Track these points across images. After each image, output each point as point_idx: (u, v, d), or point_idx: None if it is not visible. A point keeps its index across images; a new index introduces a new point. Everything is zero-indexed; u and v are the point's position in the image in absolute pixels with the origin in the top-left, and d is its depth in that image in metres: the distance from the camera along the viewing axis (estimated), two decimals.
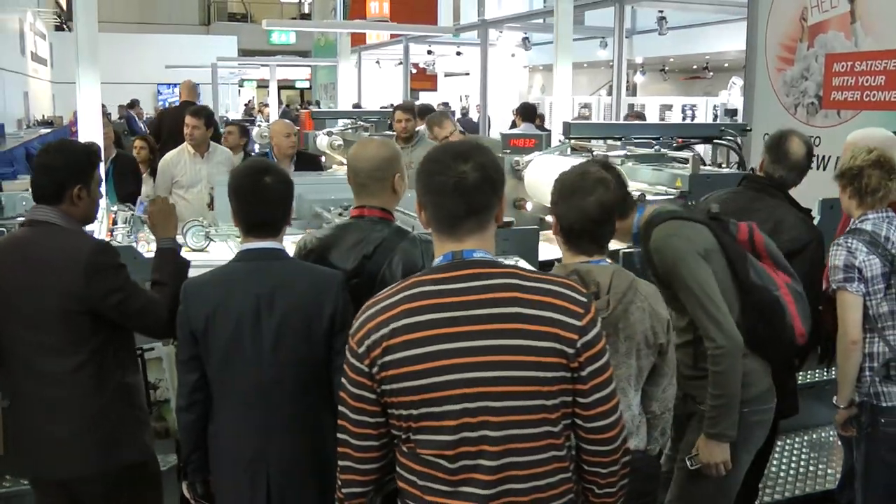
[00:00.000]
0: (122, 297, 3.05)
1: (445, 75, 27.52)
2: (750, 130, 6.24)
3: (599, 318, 2.23)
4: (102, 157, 3.96)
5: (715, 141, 5.96)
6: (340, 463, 2.30)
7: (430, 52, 23.55)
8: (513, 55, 24.52)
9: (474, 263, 2.18)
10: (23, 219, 4.73)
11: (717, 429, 3.21)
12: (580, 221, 2.85)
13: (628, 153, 5.32)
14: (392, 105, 10.13)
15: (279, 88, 37.97)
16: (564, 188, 2.89)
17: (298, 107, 27.19)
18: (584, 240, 2.88)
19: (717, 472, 3.26)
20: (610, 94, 21.88)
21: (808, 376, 5.44)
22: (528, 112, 10.33)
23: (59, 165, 3.12)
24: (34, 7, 22.79)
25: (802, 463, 5.08)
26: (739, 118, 7.63)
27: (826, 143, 6.40)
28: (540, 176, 5.48)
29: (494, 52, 23.21)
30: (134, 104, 21.09)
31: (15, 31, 19.86)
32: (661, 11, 14.75)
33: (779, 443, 5.13)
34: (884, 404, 3.59)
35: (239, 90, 34.00)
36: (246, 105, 28.42)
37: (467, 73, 26.41)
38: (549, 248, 4.87)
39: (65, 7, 31.24)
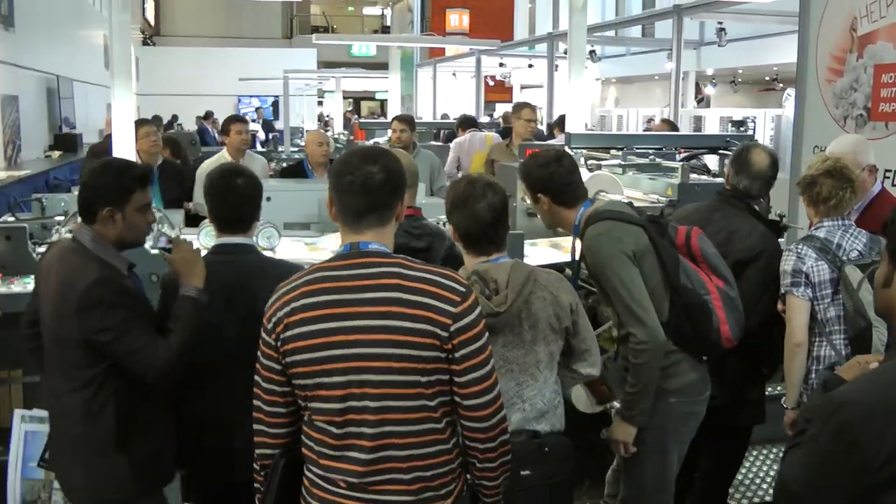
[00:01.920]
0: (112, 337, 2.96)
1: (521, 87, 27.70)
2: (754, 141, 6.37)
3: (479, 307, 2.44)
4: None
5: (720, 151, 6.11)
6: (254, 427, 2.57)
7: (501, 65, 23.84)
8: (585, 67, 24.65)
9: (368, 254, 2.42)
10: (61, 217, 5.21)
11: (629, 413, 3.41)
12: (475, 226, 3.12)
13: (623, 163, 5.52)
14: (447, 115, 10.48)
15: (360, 100, 38.88)
16: (457, 198, 3.17)
17: (358, 117, 27.73)
18: (482, 242, 3.15)
19: (625, 450, 3.46)
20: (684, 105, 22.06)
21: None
22: (468, 123, 10.33)
23: (90, 185, 3.12)
24: None
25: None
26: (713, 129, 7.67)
27: (875, 155, 6.23)
28: None
29: (565, 65, 23.42)
30: (208, 115, 21.79)
31: (99, 46, 20.72)
32: (720, 23, 14.75)
33: (761, 452, 5.24)
34: None
35: (319, 101, 34.72)
36: (319, 116, 29.04)
37: (541, 86, 26.53)
38: (551, 253, 5.13)
39: (152, 23, 32.43)
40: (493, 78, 26.74)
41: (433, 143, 11.91)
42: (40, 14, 13.23)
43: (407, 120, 8.06)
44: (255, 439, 2.59)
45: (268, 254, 4.30)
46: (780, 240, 4.18)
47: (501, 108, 25.09)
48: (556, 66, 23.77)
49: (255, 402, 2.56)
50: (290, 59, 27.36)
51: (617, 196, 4.93)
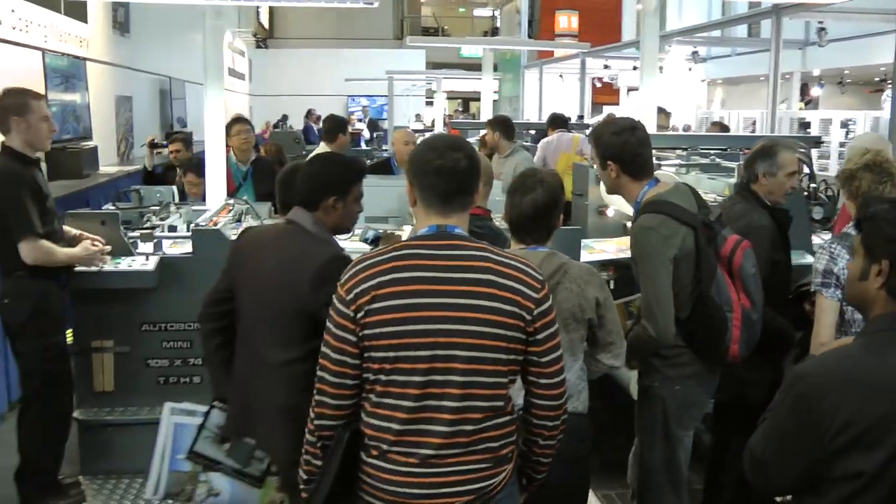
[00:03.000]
0: None
1: (628, 90, 27.65)
2: (822, 143, 6.43)
3: (551, 296, 2.60)
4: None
5: None
6: (315, 398, 2.59)
7: (606, 67, 23.90)
8: (689, 69, 24.49)
9: (455, 237, 2.55)
10: (156, 207, 5.69)
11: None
12: (516, 216, 3.36)
13: (683, 163, 5.69)
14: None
15: (468, 100, 39.21)
16: (511, 187, 3.41)
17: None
18: (521, 231, 3.38)
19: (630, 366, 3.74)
20: (791, 107, 21.74)
21: None
22: (557, 122, 10.20)
23: (316, 176, 3.28)
24: (234, 27, 24.57)
25: None
26: (814, 131, 7.66)
27: None
28: None
29: (671, 66, 23.30)
30: (310, 113, 22.45)
31: (222, 46, 21.57)
32: (820, 22, 14.58)
33: None
34: None
35: (428, 102, 35.19)
36: (416, 116, 29.49)
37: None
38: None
39: (266, 27, 33.40)
40: (600, 80, 26.80)
41: (525, 143, 12.15)
42: (155, 20, 13.96)
43: (493, 122, 8.32)
44: (314, 410, 2.61)
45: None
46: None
47: (608, 111, 25.05)
48: (661, 67, 23.77)
49: (320, 373, 2.59)
50: (399, 60, 27.84)
51: (670, 176, 5.10)
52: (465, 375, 2.47)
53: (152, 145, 8.16)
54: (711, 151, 6.03)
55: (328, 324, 2.56)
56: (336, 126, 8.48)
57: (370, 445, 2.55)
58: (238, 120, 7.67)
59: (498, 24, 39.13)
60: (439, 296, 2.47)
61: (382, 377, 2.51)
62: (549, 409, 2.65)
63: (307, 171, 3.32)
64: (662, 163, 5.96)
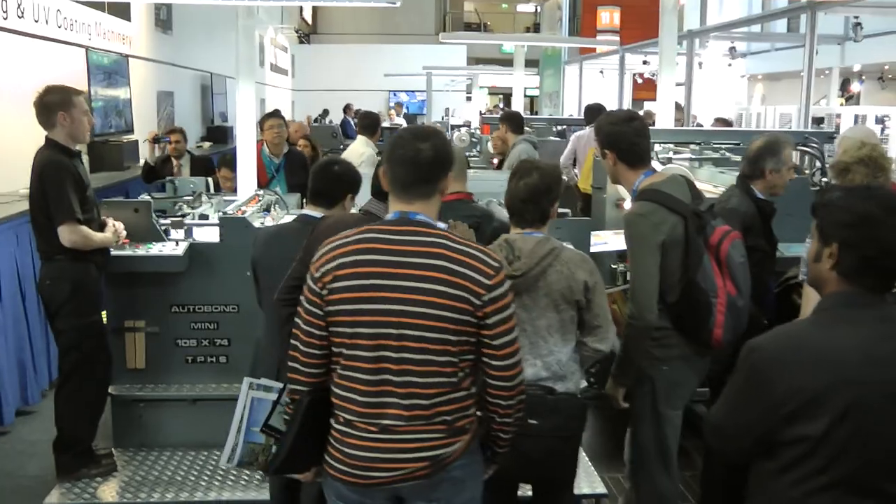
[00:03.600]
0: None
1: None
2: (834, 138, 6.56)
3: (508, 281, 2.73)
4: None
5: (799, 147, 6.34)
6: (289, 364, 2.84)
7: (645, 63, 23.93)
8: (729, 64, 24.44)
9: (416, 223, 2.70)
10: (189, 197, 5.99)
11: (616, 372, 3.84)
12: (510, 199, 3.59)
13: (693, 157, 5.86)
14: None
15: (510, 96, 39.32)
16: (512, 172, 3.64)
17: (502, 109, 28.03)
18: (515, 215, 3.61)
19: (614, 404, 3.88)
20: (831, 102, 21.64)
21: None
22: (593, 114, 10.01)
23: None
24: (277, 23, 24.96)
25: None
26: (826, 126, 7.76)
27: None
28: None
29: (710, 62, 23.28)
30: (348, 108, 22.75)
31: (255, 45, 21.95)
32: (856, 17, 14.56)
33: None
34: None
35: (468, 97, 35.33)
36: (446, 111, 29.61)
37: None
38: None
39: (310, 22, 33.79)
40: (640, 76, 26.82)
41: (552, 138, 12.32)
42: (197, 18, 14.33)
43: (503, 117, 8.58)
44: (288, 375, 2.87)
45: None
46: None
47: (650, 107, 24.99)
48: (700, 63, 23.77)
49: (293, 342, 2.82)
50: (440, 55, 28.01)
51: (680, 169, 5.27)
52: (419, 353, 2.64)
53: (154, 140, 8.38)
54: (723, 146, 6.20)
55: (301, 297, 2.78)
56: (375, 123, 9.01)
57: (338, 413, 2.76)
58: (271, 115, 8.02)
59: (539, 20, 39.22)
60: (394, 278, 2.64)
61: (345, 351, 2.72)
62: (501, 390, 2.78)
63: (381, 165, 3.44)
64: (674, 156, 6.14)
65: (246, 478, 4.71)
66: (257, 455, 3.38)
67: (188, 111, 14.37)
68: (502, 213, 3.97)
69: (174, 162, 8.48)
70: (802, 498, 2.29)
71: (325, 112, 25.36)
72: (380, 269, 2.66)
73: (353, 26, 35.17)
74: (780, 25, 23.25)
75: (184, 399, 5.12)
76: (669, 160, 6.03)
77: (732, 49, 20.40)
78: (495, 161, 9.59)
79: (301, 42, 31.73)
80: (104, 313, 5.03)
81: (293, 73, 29.08)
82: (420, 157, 2.71)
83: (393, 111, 25.20)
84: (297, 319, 2.82)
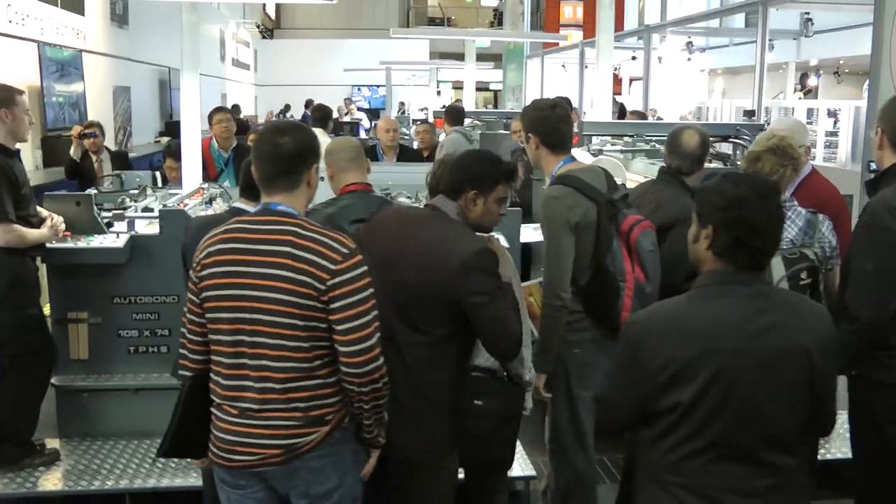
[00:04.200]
0: (486, 300, 3.20)
1: (630, 80, 27.86)
2: (764, 129, 6.70)
3: (363, 267, 2.78)
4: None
5: (731, 139, 6.50)
6: (179, 350, 2.99)
7: None
8: (689, 59, 24.68)
9: (275, 213, 2.83)
10: (135, 191, 6.06)
11: (537, 360, 3.94)
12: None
13: (623, 149, 6.02)
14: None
15: (478, 90, 39.44)
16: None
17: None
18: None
19: (538, 394, 3.98)
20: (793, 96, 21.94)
21: None
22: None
23: (463, 167, 3.40)
24: (239, 18, 24.98)
25: None
26: (760, 119, 7.92)
27: None
28: None
29: (671, 57, 23.51)
30: (309, 104, 22.78)
31: (215, 40, 21.96)
32: (806, 14, 14.80)
33: None
34: None
35: (438, 92, 35.37)
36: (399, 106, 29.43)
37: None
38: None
39: (273, 18, 33.74)
40: None
41: (501, 131, 12.45)
42: (154, 13, 14.34)
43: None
44: (178, 361, 3.00)
45: None
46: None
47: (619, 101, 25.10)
48: (660, 58, 23.98)
49: (182, 329, 2.96)
50: (404, 50, 28.07)
51: (601, 162, 5.41)
52: (272, 338, 2.74)
53: (81, 136, 8.39)
54: (653, 139, 6.34)
55: (189, 284, 2.91)
56: (327, 115, 9.16)
57: (212, 396, 2.89)
58: (219, 109, 8.13)
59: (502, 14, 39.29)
60: (248, 265, 2.77)
61: (212, 336, 2.86)
62: (351, 376, 2.79)
63: (455, 161, 3.44)
64: (605, 148, 6.29)
65: (185, 465, 4.80)
66: None
67: (146, 106, 14.39)
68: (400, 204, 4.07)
69: (93, 157, 8.52)
70: (677, 462, 2.44)
71: (287, 107, 25.35)
72: (238, 257, 2.78)
73: (317, 21, 35.17)
74: (739, 21, 23.52)
75: (126, 389, 5.20)
76: (600, 152, 6.18)
77: (689, 44, 20.66)
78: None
79: (264, 37, 31.69)
80: (48, 305, 5.11)
81: (256, 68, 29.07)
82: (279, 150, 2.83)
83: (353, 105, 25.19)
84: (184, 308, 2.95)
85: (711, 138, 6.22)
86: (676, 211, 4.19)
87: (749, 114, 7.84)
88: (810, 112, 16.58)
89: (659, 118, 21.64)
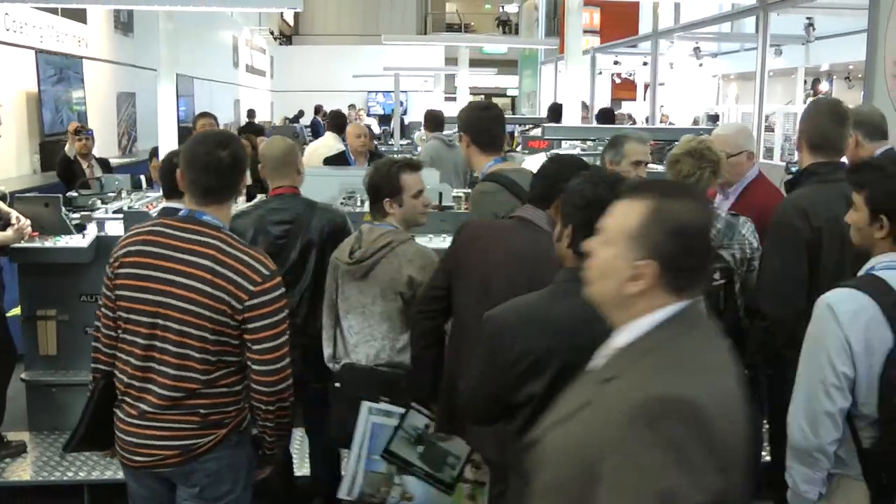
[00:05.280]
0: None
1: (645, 85, 27.86)
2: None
3: (280, 290, 2.84)
4: None
5: None
6: (93, 345, 3.02)
7: (616, 63, 24.24)
8: (700, 64, 24.69)
9: (200, 223, 2.83)
10: (112, 194, 6.26)
11: None
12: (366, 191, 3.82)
13: (582, 151, 6.14)
14: None
15: (491, 96, 39.62)
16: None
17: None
18: (372, 207, 3.84)
19: None
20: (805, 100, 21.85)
21: None
22: (435, 122, 9.70)
23: (553, 175, 3.30)
24: (254, 25, 25.23)
25: None
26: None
27: None
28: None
29: (682, 62, 23.56)
30: (318, 110, 23.02)
31: (228, 46, 22.23)
32: (808, 18, 14.78)
33: None
34: None
35: (448, 98, 35.42)
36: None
37: (662, 84, 26.48)
38: None
39: (291, 24, 34.02)
40: (619, 75, 27.05)
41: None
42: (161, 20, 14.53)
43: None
44: (91, 355, 3.02)
45: None
46: None
47: (627, 106, 25.37)
48: (672, 63, 23.98)
49: (96, 323, 2.98)
50: (421, 56, 28.16)
51: (528, 163, 5.56)
52: (178, 347, 2.77)
53: (76, 132, 8.45)
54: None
55: (105, 279, 2.92)
56: (343, 122, 9.59)
57: (118, 394, 2.92)
58: (203, 115, 8.35)
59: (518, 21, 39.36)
60: (166, 272, 2.77)
61: (122, 335, 2.87)
62: (260, 393, 2.86)
63: (543, 170, 3.38)
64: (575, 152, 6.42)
65: None
66: (378, 486, 3.31)
67: (152, 111, 14.58)
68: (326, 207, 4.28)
69: (83, 162, 8.61)
70: None
71: (301, 113, 25.58)
72: (156, 262, 2.79)
73: (334, 27, 35.40)
74: (749, 25, 23.50)
75: None
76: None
77: (697, 49, 20.68)
78: None
79: (282, 44, 31.96)
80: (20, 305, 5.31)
81: (272, 74, 29.32)
82: (221, 164, 2.83)
83: (363, 111, 25.38)
84: (99, 303, 2.98)
85: (676, 143, 6.34)
86: None
87: (713, 118, 7.90)
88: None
89: (670, 123, 21.77)
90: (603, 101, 21.56)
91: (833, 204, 3.52)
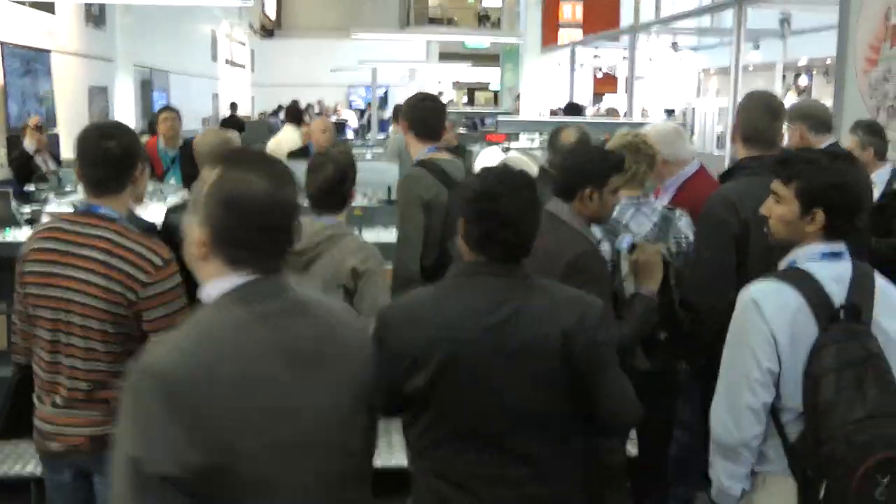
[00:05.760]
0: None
1: (626, 80, 27.84)
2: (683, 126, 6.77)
3: (175, 280, 2.84)
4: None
5: None
6: (11, 339, 3.05)
7: (596, 57, 24.28)
8: (680, 59, 24.77)
9: (96, 216, 2.84)
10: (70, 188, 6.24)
11: None
12: (310, 191, 3.72)
13: (531, 147, 6.17)
14: None
15: (474, 90, 39.68)
16: (308, 166, 3.79)
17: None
18: (317, 206, 3.74)
19: None
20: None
21: None
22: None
23: (575, 167, 3.37)
24: (234, 18, 25.12)
25: None
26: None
27: None
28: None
29: (662, 56, 23.61)
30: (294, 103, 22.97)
31: (207, 39, 22.17)
32: (783, 13, 14.78)
33: None
34: None
35: (440, 92, 35.47)
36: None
37: (641, 78, 26.52)
38: None
39: (273, 17, 33.91)
40: (600, 69, 27.09)
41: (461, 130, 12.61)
42: (135, 13, 14.45)
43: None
44: (11, 346, 3.07)
45: None
46: None
47: (608, 100, 25.38)
48: (651, 58, 23.98)
49: (14, 318, 3.02)
50: (403, 49, 28.12)
51: (509, 159, 5.56)
52: (84, 340, 2.81)
53: (38, 127, 8.20)
54: None
55: (16, 276, 2.93)
56: (299, 113, 9.73)
57: (35, 386, 2.96)
58: (165, 108, 8.29)
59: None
60: (65, 267, 2.78)
61: (34, 330, 2.90)
62: None
63: (564, 162, 3.42)
64: (513, 144, 6.46)
65: None
66: None
67: (127, 106, 14.56)
68: None
69: (38, 157, 8.29)
70: (427, 448, 2.48)
71: (280, 107, 25.50)
72: (55, 258, 2.81)
73: (318, 21, 35.28)
74: (730, 19, 23.50)
75: None
76: (508, 149, 6.35)
77: (675, 44, 20.72)
78: None
79: (263, 37, 31.86)
80: None
81: (253, 67, 29.21)
82: (108, 155, 2.84)
83: (340, 105, 25.36)
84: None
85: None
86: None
87: (669, 112, 7.93)
88: None
89: (646, 118, 21.78)
90: (584, 95, 21.54)
91: (762, 196, 3.51)
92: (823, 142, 4.65)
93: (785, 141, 4.46)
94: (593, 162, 3.40)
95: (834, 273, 2.66)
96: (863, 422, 2.44)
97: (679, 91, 26.35)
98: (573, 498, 2.58)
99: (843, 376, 2.49)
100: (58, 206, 5.81)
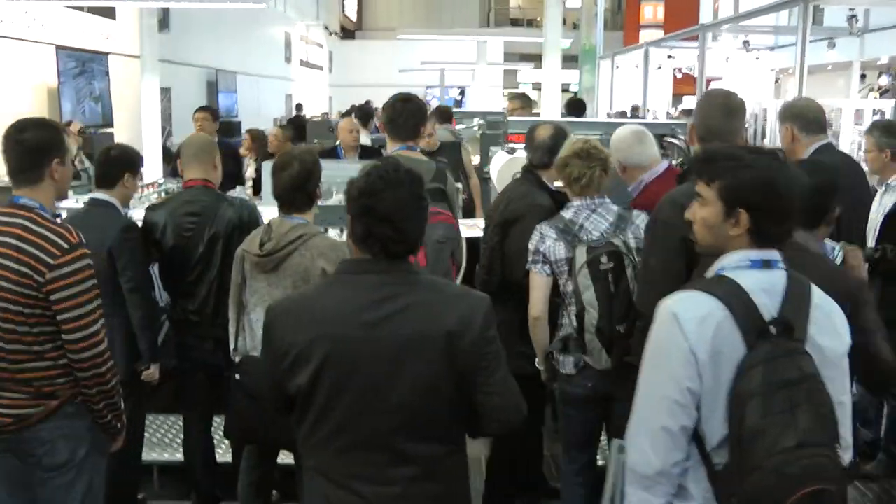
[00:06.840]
0: None
1: (707, 81, 27.39)
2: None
3: (83, 262, 2.97)
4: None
5: (665, 139, 6.54)
6: None
7: (670, 57, 23.97)
8: (756, 58, 24.29)
9: (15, 206, 3.00)
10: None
11: None
12: (281, 190, 3.83)
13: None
14: None
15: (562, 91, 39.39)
16: (273, 166, 3.89)
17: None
18: (285, 204, 3.83)
19: None
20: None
21: None
22: (442, 115, 9.51)
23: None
24: (310, 20, 25.50)
25: None
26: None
27: None
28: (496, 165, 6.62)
29: (737, 56, 23.20)
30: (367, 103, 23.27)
31: (280, 42, 22.59)
32: (851, 10, 14.42)
33: None
34: (561, 371, 4.01)
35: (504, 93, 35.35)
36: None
37: (720, 78, 26.15)
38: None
39: (353, 19, 34.35)
40: (679, 70, 26.74)
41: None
42: (199, 15, 14.85)
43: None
44: None
45: None
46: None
47: (688, 101, 25.02)
48: (728, 58, 23.58)
49: None
50: (482, 50, 28.11)
51: (514, 160, 5.65)
52: (4, 322, 2.95)
53: (80, 133, 8.66)
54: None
55: None
56: (369, 113, 9.67)
57: None
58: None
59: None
60: None
61: None
62: (75, 361, 3.02)
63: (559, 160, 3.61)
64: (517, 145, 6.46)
65: None
66: None
67: (190, 107, 14.96)
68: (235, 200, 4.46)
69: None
70: (313, 447, 2.48)
71: (353, 107, 25.79)
72: None
73: (398, 21, 35.52)
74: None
75: None
76: (513, 150, 6.36)
77: (746, 43, 20.34)
78: None
79: (344, 38, 32.22)
80: None
81: (331, 68, 29.59)
82: (20, 146, 3.01)
83: None
84: None
85: None
86: (522, 207, 4.35)
87: (686, 113, 7.81)
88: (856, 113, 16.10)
89: None
90: (664, 97, 21.18)
91: None
92: (815, 142, 4.48)
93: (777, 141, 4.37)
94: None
95: (764, 283, 2.36)
96: (793, 451, 2.17)
97: (756, 91, 25.83)
98: (461, 498, 2.57)
99: (772, 399, 2.20)
100: (75, 201, 6.05)
